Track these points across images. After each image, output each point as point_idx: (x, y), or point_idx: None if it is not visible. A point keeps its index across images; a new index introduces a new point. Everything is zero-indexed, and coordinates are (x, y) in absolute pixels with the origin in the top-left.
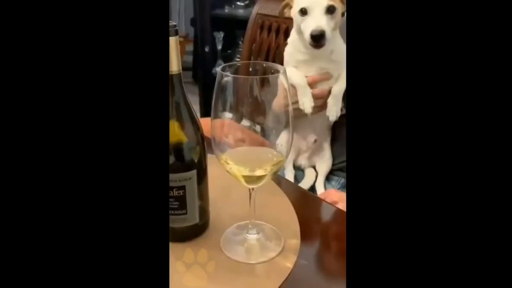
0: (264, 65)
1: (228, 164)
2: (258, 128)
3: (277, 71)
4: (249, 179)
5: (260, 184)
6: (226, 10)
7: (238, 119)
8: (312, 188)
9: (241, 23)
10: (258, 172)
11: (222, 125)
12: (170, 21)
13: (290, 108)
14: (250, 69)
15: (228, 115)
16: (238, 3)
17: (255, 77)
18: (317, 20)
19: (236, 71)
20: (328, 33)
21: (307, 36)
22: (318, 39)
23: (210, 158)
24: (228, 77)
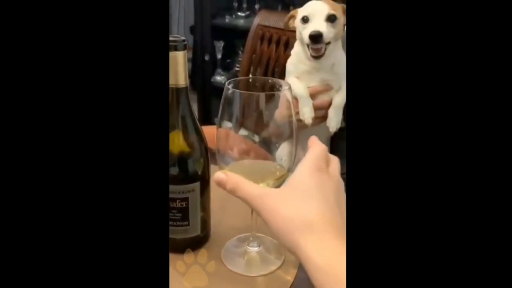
0: (269, 80)
1: None
2: (256, 138)
3: (282, 87)
4: None
5: None
6: (227, 20)
7: (237, 130)
8: None
9: (242, 33)
10: (261, 186)
11: (227, 138)
12: (179, 36)
13: (294, 120)
14: (250, 81)
15: (228, 124)
16: (239, 13)
17: (261, 93)
18: (317, 26)
19: (240, 85)
20: (327, 36)
21: (306, 39)
22: (316, 39)
23: (213, 169)
24: (235, 92)
